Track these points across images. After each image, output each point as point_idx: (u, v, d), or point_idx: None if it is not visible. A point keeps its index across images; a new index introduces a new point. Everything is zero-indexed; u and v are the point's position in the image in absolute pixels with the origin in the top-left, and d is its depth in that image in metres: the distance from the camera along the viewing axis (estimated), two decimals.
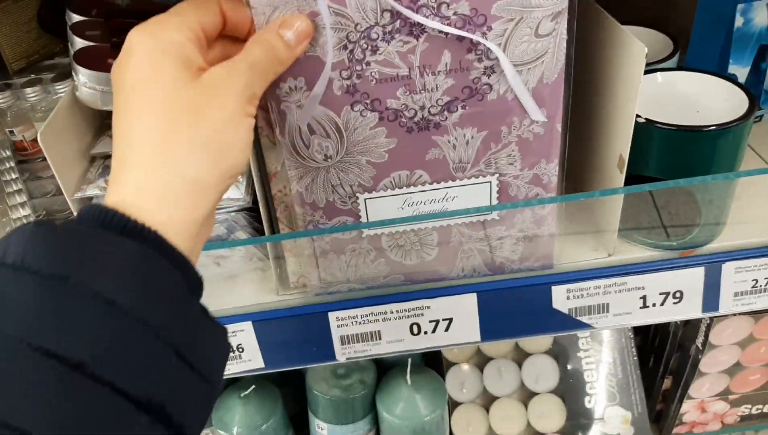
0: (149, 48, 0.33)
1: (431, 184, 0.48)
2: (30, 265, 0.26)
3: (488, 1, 0.39)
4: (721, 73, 0.60)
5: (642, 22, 0.67)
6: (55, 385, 0.24)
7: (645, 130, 0.49)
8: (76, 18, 0.53)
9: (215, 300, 0.56)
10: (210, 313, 0.31)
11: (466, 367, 0.82)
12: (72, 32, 0.50)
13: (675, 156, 0.50)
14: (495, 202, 0.50)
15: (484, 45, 0.40)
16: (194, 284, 0.31)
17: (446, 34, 0.40)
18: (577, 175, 0.60)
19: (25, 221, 0.56)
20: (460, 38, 0.40)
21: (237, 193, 0.53)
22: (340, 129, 0.44)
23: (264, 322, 0.55)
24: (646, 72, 0.55)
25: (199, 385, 0.29)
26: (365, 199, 0.48)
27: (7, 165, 0.59)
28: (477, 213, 0.50)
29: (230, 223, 0.54)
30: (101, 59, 0.49)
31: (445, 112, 0.44)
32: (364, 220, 0.49)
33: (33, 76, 0.68)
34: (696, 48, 0.63)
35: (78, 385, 0.24)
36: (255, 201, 0.52)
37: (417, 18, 0.39)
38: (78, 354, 0.24)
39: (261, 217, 0.51)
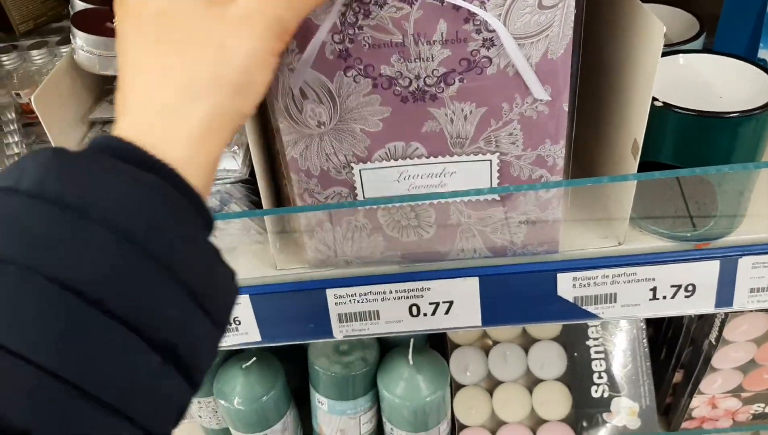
0: None
1: (428, 157, 0.46)
2: (47, 192, 0.25)
3: None
4: (751, 57, 0.56)
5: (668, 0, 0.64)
6: (66, 316, 0.23)
7: (662, 115, 0.46)
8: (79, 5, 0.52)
9: None
10: (221, 254, 0.30)
11: (471, 349, 0.81)
12: (72, 24, 0.49)
13: (693, 143, 0.47)
14: (495, 181, 0.48)
15: (482, 16, 0.38)
16: (207, 222, 0.30)
17: (441, 2, 0.38)
18: (588, 158, 0.58)
19: None
20: (456, 7, 0.38)
21: (234, 164, 0.52)
22: (333, 94, 0.43)
23: (261, 295, 0.54)
24: (668, 53, 0.53)
25: (209, 328, 0.28)
26: (360, 170, 0.47)
27: (11, 127, 0.59)
28: (476, 195, 0.48)
29: (223, 195, 0.52)
30: (100, 22, 0.48)
31: (442, 84, 0.42)
32: (359, 191, 0.48)
33: (39, 38, 0.67)
34: (725, 30, 0.59)
35: (91, 320, 0.24)
36: (252, 173, 0.51)
37: None
38: (94, 288, 0.24)
39: (258, 190, 0.50)
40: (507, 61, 0.40)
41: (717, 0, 0.60)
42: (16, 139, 0.59)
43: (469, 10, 0.38)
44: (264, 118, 0.50)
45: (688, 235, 0.52)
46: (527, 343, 0.80)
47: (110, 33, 0.48)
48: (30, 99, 0.45)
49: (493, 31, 0.39)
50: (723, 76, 0.51)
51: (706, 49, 0.56)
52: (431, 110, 0.43)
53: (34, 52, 0.62)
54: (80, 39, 0.48)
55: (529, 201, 0.49)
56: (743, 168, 0.47)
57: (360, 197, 0.49)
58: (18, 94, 0.61)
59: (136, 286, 0.25)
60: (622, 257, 0.52)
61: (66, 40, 0.64)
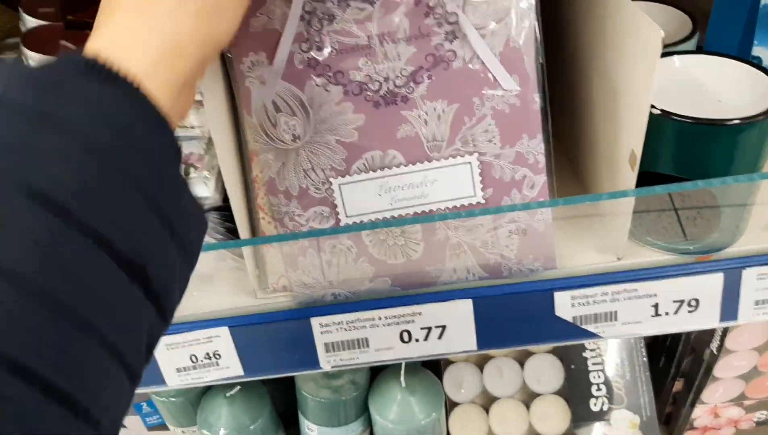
0: None
1: (406, 165, 0.45)
2: (11, 101, 0.24)
3: None
4: (745, 55, 0.55)
5: None
6: (32, 224, 0.22)
7: (659, 123, 0.44)
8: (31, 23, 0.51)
9: (187, 302, 0.53)
10: (188, 182, 0.29)
11: (464, 365, 0.78)
12: (23, 10, 0.48)
13: (693, 151, 0.45)
14: (479, 185, 0.47)
15: (442, 8, 0.39)
16: (175, 147, 0.29)
17: None
18: (584, 168, 0.57)
19: None
20: (416, 2, 0.38)
21: (205, 191, 0.50)
22: (305, 105, 0.42)
23: (241, 327, 0.52)
24: (662, 55, 0.50)
25: (179, 253, 0.27)
26: (339, 185, 0.46)
27: None
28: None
29: None
30: (53, 41, 0.46)
31: (411, 84, 0.42)
32: (340, 209, 0.47)
33: None
34: (716, 26, 0.57)
35: (57, 229, 0.23)
36: (225, 199, 0.48)
37: None
38: (61, 198, 0.23)
39: (232, 215, 0.48)
40: (471, 54, 0.41)
41: None
42: None
43: (428, 4, 0.38)
44: (238, 143, 0.49)
45: (690, 247, 0.50)
46: (522, 356, 0.78)
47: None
48: None
49: (455, 22, 0.39)
50: (720, 78, 0.49)
51: (701, 50, 0.54)
52: (404, 113, 0.43)
53: None
54: (33, 61, 0.47)
55: (515, 201, 0.48)
56: (749, 179, 0.45)
57: (342, 215, 0.48)
58: None
59: (103, 198, 0.24)
60: (621, 273, 0.50)
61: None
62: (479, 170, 0.46)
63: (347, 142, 0.44)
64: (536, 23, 0.41)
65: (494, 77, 0.41)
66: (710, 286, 0.50)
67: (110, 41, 0.29)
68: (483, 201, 0.47)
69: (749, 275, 0.49)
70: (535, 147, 0.45)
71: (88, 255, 0.23)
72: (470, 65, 0.41)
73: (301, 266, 0.50)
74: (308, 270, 0.50)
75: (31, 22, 0.48)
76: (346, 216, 0.48)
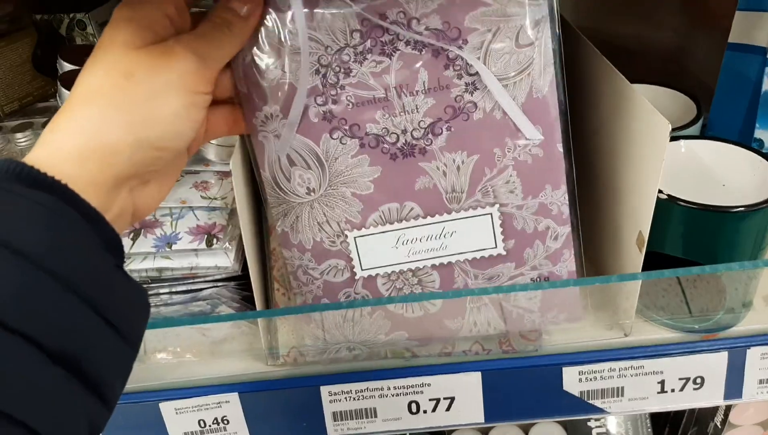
0: (121, 16, 0.34)
1: (424, 217, 0.45)
2: None
3: (460, 12, 0.38)
4: (747, 137, 0.58)
5: (661, 74, 0.66)
6: None
7: (666, 207, 0.46)
8: (67, 67, 0.54)
9: (200, 368, 0.53)
10: (126, 272, 0.31)
11: (469, 432, 0.78)
12: (60, 83, 0.50)
13: (698, 235, 0.47)
14: (500, 237, 0.46)
15: (462, 60, 0.38)
16: (109, 240, 0.31)
17: (420, 50, 0.38)
18: (593, 245, 0.57)
19: None
20: (436, 54, 0.39)
21: (225, 261, 0.51)
22: (321, 159, 0.42)
23: (251, 393, 0.52)
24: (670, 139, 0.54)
25: (116, 342, 0.29)
26: (355, 238, 0.46)
27: None
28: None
29: (213, 298, 0.52)
30: None
31: (430, 136, 0.42)
32: (355, 262, 0.47)
33: (24, 119, 0.68)
34: (719, 110, 0.62)
35: None
36: (244, 268, 0.50)
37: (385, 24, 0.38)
38: None
39: (249, 284, 0.49)
40: (493, 104, 0.40)
41: (711, 74, 0.62)
42: None
43: (448, 56, 0.38)
44: (258, 216, 0.50)
45: (695, 326, 0.52)
46: (527, 425, 0.78)
47: None
48: None
49: (475, 74, 0.39)
50: (724, 163, 0.52)
51: (706, 135, 0.58)
52: (422, 165, 0.43)
53: (19, 135, 0.62)
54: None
55: (538, 254, 0.47)
56: (753, 266, 0.48)
57: (357, 268, 0.47)
58: None
59: (30, 299, 0.26)
60: (628, 349, 0.51)
61: None
62: (500, 221, 0.45)
63: (363, 194, 0.44)
64: (561, 71, 0.40)
65: (516, 127, 0.41)
66: (715, 364, 0.51)
67: (47, 149, 0.31)
68: (504, 252, 0.47)
69: (753, 354, 0.51)
70: (558, 198, 0.45)
71: (16, 354, 0.25)
72: (491, 116, 0.41)
73: (315, 320, 0.49)
74: (324, 325, 0.49)
75: (66, 95, 0.51)
76: (362, 269, 0.47)
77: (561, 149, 0.43)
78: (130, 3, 0.35)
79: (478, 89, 0.40)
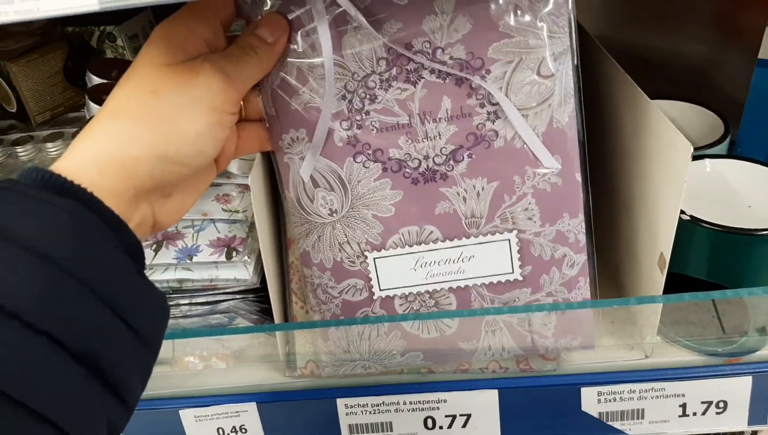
0: (156, 35, 0.36)
1: (443, 241, 0.46)
2: None
3: (484, 43, 0.39)
4: None
5: (691, 88, 0.66)
6: None
7: (689, 228, 0.46)
8: (96, 80, 0.55)
9: (219, 377, 0.55)
10: (146, 276, 0.32)
11: None
12: (88, 97, 0.52)
13: (722, 258, 0.47)
14: (517, 263, 0.47)
15: (485, 89, 0.40)
16: (130, 246, 0.32)
17: (444, 78, 0.40)
18: (614, 265, 0.58)
19: None
20: (459, 83, 0.40)
21: (244, 274, 0.52)
22: (344, 181, 0.44)
23: (269, 403, 0.53)
24: (694, 158, 0.53)
25: (136, 344, 0.30)
26: (374, 259, 0.47)
27: None
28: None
29: (231, 312, 0.53)
30: None
31: (451, 162, 0.43)
32: (374, 282, 0.48)
33: (56, 129, 0.70)
34: (748, 127, 0.62)
35: (13, 333, 0.25)
36: (262, 281, 0.51)
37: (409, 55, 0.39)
38: (12, 303, 0.26)
39: (267, 296, 0.50)
40: (513, 133, 0.42)
41: (742, 90, 0.62)
42: None
43: (470, 85, 0.40)
44: (277, 230, 0.51)
45: (719, 349, 0.51)
46: None
47: None
48: None
49: (497, 103, 0.41)
50: (751, 183, 0.52)
51: (732, 155, 0.57)
52: (443, 190, 0.44)
53: (50, 145, 0.65)
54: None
55: (554, 281, 0.48)
56: None
57: (375, 288, 0.49)
58: None
59: (55, 300, 0.27)
60: (649, 371, 0.51)
61: None
62: (518, 247, 0.46)
63: (384, 217, 0.45)
64: (580, 102, 0.42)
65: (536, 156, 0.42)
66: (739, 388, 0.51)
67: (74, 158, 0.33)
68: (521, 278, 0.48)
69: None
70: (576, 226, 0.46)
71: (42, 353, 0.26)
72: (512, 144, 0.42)
73: (332, 337, 0.50)
74: (341, 343, 0.51)
75: (95, 108, 0.55)
76: (380, 289, 0.48)
77: (579, 178, 0.44)
78: (168, 23, 0.36)
79: (499, 118, 0.41)
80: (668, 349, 0.52)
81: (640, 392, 0.51)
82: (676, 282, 0.47)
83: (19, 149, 0.67)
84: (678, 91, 0.66)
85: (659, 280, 0.47)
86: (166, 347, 0.53)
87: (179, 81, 0.35)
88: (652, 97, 0.62)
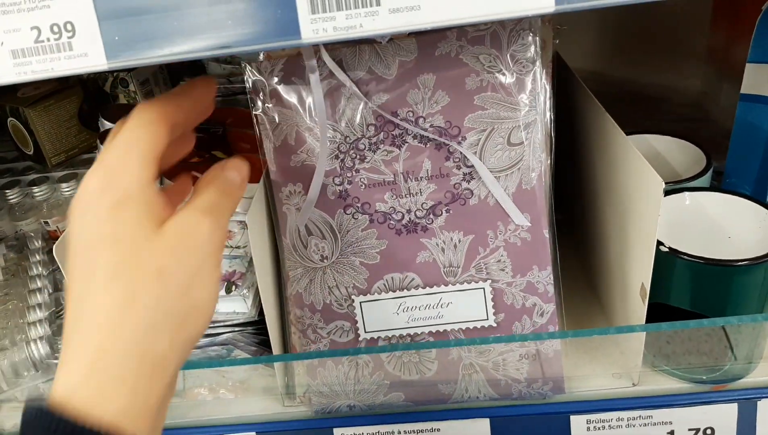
0: (109, 198, 0.30)
1: (424, 287, 0.52)
2: None
3: (461, 114, 0.46)
4: (763, 187, 0.61)
5: (686, 121, 0.68)
6: None
7: (669, 260, 0.48)
8: (108, 125, 0.61)
9: (219, 407, 0.58)
10: None
11: None
12: (100, 141, 0.58)
13: (701, 288, 0.49)
14: (491, 310, 0.53)
15: (461, 153, 0.46)
16: None
17: (425, 143, 0.46)
18: (599, 290, 0.62)
19: (39, 328, 0.61)
20: (438, 147, 0.46)
21: (243, 307, 0.56)
22: (335, 230, 0.50)
23: (268, 433, 0.56)
24: (675, 191, 0.57)
25: None
26: (360, 302, 0.52)
27: (37, 257, 0.65)
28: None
29: (229, 344, 0.56)
30: None
31: (431, 216, 0.49)
32: (360, 324, 0.53)
33: (70, 170, 0.75)
34: (735, 159, 0.64)
35: None
36: (260, 313, 0.54)
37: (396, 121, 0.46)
38: None
39: (265, 329, 0.53)
40: (487, 192, 0.48)
41: (728, 120, 0.64)
42: (41, 271, 0.64)
43: (448, 149, 0.46)
44: (276, 263, 0.55)
45: (703, 377, 0.53)
46: None
47: None
48: (57, 227, 0.50)
49: (472, 166, 0.47)
50: (730, 215, 0.54)
51: (712, 187, 0.60)
52: (423, 241, 0.50)
53: (64, 185, 0.70)
54: None
55: (526, 328, 0.54)
56: (752, 320, 0.48)
57: (361, 330, 0.54)
58: (46, 222, 0.67)
59: None
60: (637, 399, 0.53)
61: None
62: (492, 296, 0.52)
63: (370, 263, 0.51)
64: (548, 166, 0.48)
65: (507, 213, 0.48)
66: (726, 415, 0.52)
67: (80, 376, 0.28)
68: (495, 324, 0.53)
69: (764, 406, 0.52)
70: (544, 278, 0.51)
71: None
72: (485, 202, 0.48)
73: (320, 376, 0.55)
74: (327, 380, 0.55)
75: (108, 125, 0.58)
76: (365, 331, 0.53)
77: (547, 235, 0.50)
78: (112, 172, 0.31)
79: (474, 178, 0.48)
80: (655, 377, 0.55)
81: (628, 420, 0.53)
82: (664, 312, 0.49)
83: (35, 189, 0.72)
84: (674, 124, 0.68)
85: (641, 309, 0.49)
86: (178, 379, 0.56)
87: (179, 246, 0.31)
88: (642, 131, 0.64)
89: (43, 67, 0.31)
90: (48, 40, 0.30)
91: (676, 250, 0.48)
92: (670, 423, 0.53)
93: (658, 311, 0.50)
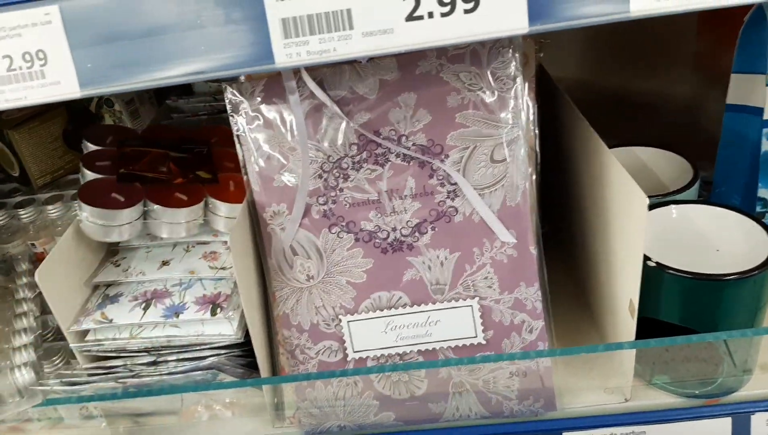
0: None
1: (411, 306, 0.52)
2: None
3: (443, 132, 0.46)
4: (750, 197, 0.60)
5: (676, 130, 0.67)
6: None
7: (656, 275, 0.48)
8: (91, 147, 0.60)
9: (209, 430, 0.58)
10: None
11: None
12: (83, 164, 0.57)
13: (691, 303, 0.49)
14: (480, 327, 0.53)
15: (445, 171, 0.46)
16: None
17: (408, 161, 0.46)
18: (593, 310, 0.62)
19: (24, 353, 0.60)
20: (422, 165, 0.46)
21: (229, 329, 0.55)
22: (320, 250, 0.49)
23: None
24: (662, 204, 0.57)
25: None
26: (348, 322, 0.52)
27: (24, 280, 0.64)
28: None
29: (214, 369, 0.55)
30: (105, 193, 0.54)
31: (416, 234, 0.49)
32: (348, 344, 0.53)
33: (56, 191, 0.75)
34: (723, 169, 0.64)
35: None
36: (246, 335, 0.54)
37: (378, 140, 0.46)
38: None
39: (252, 350, 0.53)
40: (471, 209, 0.48)
41: (717, 128, 0.63)
42: (27, 294, 0.63)
43: (432, 167, 0.46)
44: (262, 284, 0.55)
45: (696, 391, 0.53)
46: None
47: (114, 204, 0.54)
48: (44, 248, 0.50)
49: (456, 183, 0.47)
50: (718, 228, 0.54)
51: (699, 200, 0.60)
52: (409, 259, 0.50)
53: (50, 207, 0.69)
54: (86, 211, 0.54)
55: (515, 345, 0.53)
56: (741, 335, 0.49)
57: (349, 350, 0.54)
58: (33, 244, 0.66)
59: None
60: (629, 414, 0.53)
61: None
62: (480, 313, 0.52)
63: (357, 283, 0.51)
64: (534, 182, 0.48)
65: (493, 231, 0.48)
66: (719, 430, 0.52)
67: None
68: (484, 342, 0.53)
69: (758, 420, 0.52)
70: (532, 294, 0.51)
71: None
72: (470, 219, 0.48)
73: (309, 397, 0.55)
74: (316, 401, 0.55)
75: (88, 175, 0.57)
76: (353, 351, 0.53)
77: (534, 251, 0.50)
78: None
79: (458, 196, 0.48)
80: (648, 392, 0.54)
81: None
82: (654, 327, 0.49)
83: (21, 211, 0.72)
84: (659, 132, 0.68)
85: (630, 325, 0.49)
86: (175, 399, 0.55)
87: None
88: (629, 143, 0.64)
89: (16, 95, 0.31)
90: (20, 68, 0.30)
91: (663, 265, 0.48)
92: None
93: (650, 326, 0.49)
